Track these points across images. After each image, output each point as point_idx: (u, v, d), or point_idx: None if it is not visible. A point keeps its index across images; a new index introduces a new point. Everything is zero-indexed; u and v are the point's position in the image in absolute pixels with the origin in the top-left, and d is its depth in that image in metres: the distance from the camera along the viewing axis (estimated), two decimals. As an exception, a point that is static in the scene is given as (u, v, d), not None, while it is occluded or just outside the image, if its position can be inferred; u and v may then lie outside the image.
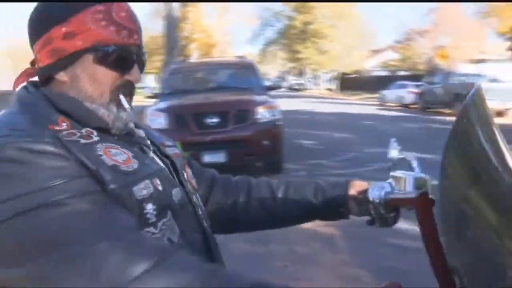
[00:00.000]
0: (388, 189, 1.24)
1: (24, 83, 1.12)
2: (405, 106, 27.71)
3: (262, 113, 8.04)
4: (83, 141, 1.02)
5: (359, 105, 31.28)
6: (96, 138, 1.05)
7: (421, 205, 1.12)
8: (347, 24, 50.48)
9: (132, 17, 1.10)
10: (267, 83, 11.79)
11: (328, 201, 1.35)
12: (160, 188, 1.08)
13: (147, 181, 1.06)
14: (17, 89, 1.12)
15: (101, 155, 1.01)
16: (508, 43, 32.84)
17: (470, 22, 37.88)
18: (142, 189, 1.04)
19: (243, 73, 9.64)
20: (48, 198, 0.87)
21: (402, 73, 46.65)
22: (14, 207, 0.86)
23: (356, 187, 1.34)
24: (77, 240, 0.86)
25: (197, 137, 7.62)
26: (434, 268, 1.06)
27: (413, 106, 26.38)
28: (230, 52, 31.91)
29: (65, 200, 0.88)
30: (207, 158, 7.38)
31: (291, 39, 54.71)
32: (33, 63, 1.13)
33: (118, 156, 1.05)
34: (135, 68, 1.12)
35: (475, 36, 38.72)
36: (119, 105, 1.11)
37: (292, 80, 46.48)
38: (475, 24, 37.33)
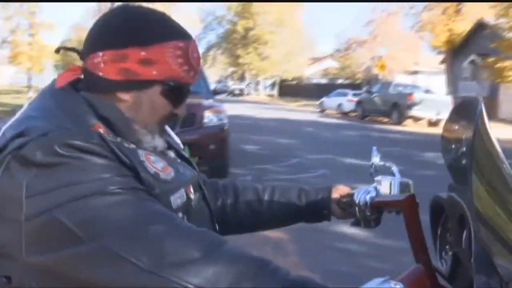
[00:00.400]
0: (373, 193, 1.31)
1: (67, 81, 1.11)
2: (344, 114, 28.41)
3: (209, 117, 8.00)
4: (125, 144, 1.03)
5: (300, 111, 31.82)
6: (132, 146, 1.06)
7: (409, 207, 1.17)
8: (289, 31, 51.28)
9: (200, 58, 1.14)
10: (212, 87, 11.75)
11: (312, 203, 1.41)
12: (192, 196, 1.14)
13: (182, 190, 1.11)
14: (58, 86, 1.09)
15: (143, 161, 1.03)
16: (441, 57, 34.23)
17: (406, 34, 39.27)
18: (177, 198, 1.08)
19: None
20: (103, 187, 0.89)
21: (341, 81, 47.82)
22: (69, 194, 0.87)
23: (339, 191, 1.42)
24: (135, 222, 0.88)
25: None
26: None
27: (352, 114, 27.06)
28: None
29: (119, 190, 0.90)
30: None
31: (233, 43, 54.92)
32: (81, 57, 1.12)
33: (157, 163, 1.07)
34: (184, 104, 1.15)
35: (411, 49, 40.21)
36: (162, 134, 1.16)
37: (232, 85, 46.59)
38: (411, 37, 38.73)
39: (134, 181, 0.96)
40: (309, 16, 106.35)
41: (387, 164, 1.40)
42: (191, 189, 1.14)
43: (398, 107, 21.68)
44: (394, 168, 1.37)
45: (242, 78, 59.12)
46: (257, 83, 62.13)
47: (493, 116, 26.05)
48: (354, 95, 28.92)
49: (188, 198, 1.12)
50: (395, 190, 1.31)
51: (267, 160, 11.08)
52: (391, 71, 35.84)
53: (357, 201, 1.32)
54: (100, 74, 1.06)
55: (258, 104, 39.51)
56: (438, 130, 19.43)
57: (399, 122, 21.56)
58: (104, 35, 1.07)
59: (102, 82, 1.07)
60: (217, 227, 1.27)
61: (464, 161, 1.00)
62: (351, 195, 1.35)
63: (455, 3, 30.11)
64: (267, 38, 51.57)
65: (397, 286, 0.88)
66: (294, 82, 56.10)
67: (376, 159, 1.42)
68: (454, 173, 1.11)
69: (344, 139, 16.32)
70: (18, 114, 1.08)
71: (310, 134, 17.62)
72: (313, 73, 58.04)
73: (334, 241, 5.29)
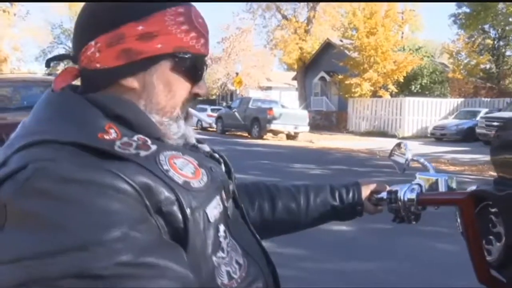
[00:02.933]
0: (418, 189, 1.31)
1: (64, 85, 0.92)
2: (204, 129, 28.59)
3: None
4: (142, 153, 0.84)
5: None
6: (153, 147, 0.87)
7: (468, 205, 1.18)
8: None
9: (206, 26, 0.99)
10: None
11: (346, 201, 1.38)
12: (226, 203, 0.96)
13: (218, 197, 0.93)
14: (56, 90, 0.91)
15: (167, 170, 0.84)
16: (290, 73, 36.07)
17: (259, 51, 40.80)
18: (214, 208, 0.90)
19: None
20: (84, 264, 0.68)
21: (196, 97, 48.07)
22: (28, 272, 0.67)
23: (369, 186, 1.40)
24: None
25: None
26: (477, 264, 1.16)
27: (211, 129, 27.33)
28: (24, 69, 29.60)
29: (109, 271, 0.69)
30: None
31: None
32: (75, 61, 0.93)
33: (185, 168, 0.88)
34: (203, 81, 1.00)
35: (263, 65, 41.86)
36: (188, 120, 0.99)
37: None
38: (263, 54, 40.34)
39: (150, 224, 0.77)
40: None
41: (420, 160, 1.44)
42: (224, 195, 0.96)
43: (258, 121, 22.33)
44: (428, 165, 1.40)
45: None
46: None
47: (343, 128, 28.03)
48: (213, 110, 29.29)
49: (224, 206, 0.95)
50: (443, 188, 1.31)
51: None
52: (245, 86, 36.94)
53: (402, 198, 1.30)
54: (98, 65, 0.89)
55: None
56: (297, 143, 20.63)
57: (260, 136, 22.19)
58: (92, 23, 0.91)
59: (102, 75, 0.90)
60: (258, 237, 1.09)
61: None
62: (392, 192, 1.34)
63: (304, 23, 31.93)
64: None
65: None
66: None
67: (409, 154, 1.42)
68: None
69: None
70: (17, 129, 0.88)
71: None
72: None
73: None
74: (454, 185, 1.32)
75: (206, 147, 1.08)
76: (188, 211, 0.82)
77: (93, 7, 0.92)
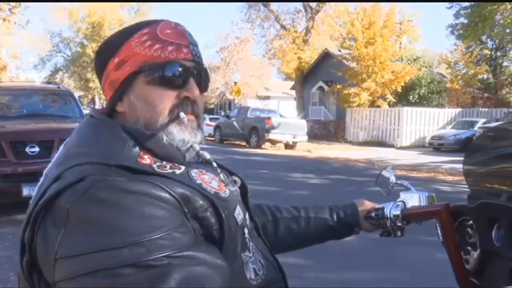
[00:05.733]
0: (403, 206, 1.46)
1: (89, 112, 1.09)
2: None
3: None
4: (177, 171, 0.98)
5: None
6: (183, 167, 1.00)
7: (446, 215, 1.31)
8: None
9: (180, 33, 1.06)
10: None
11: (344, 221, 1.47)
12: (242, 213, 1.07)
13: (238, 206, 1.06)
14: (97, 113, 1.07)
15: (200, 183, 0.98)
16: (288, 83, 36.09)
17: (257, 61, 40.87)
18: (239, 214, 1.04)
19: (60, 100, 9.03)
20: (139, 257, 0.80)
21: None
22: (100, 261, 0.79)
23: (365, 206, 1.51)
24: None
25: (15, 168, 6.85)
26: (457, 272, 1.28)
27: (210, 138, 27.35)
28: (23, 77, 29.61)
29: (158, 261, 0.81)
30: (27, 191, 6.64)
31: (82, 67, 52.77)
32: None
33: (212, 182, 1.02)
34: (192, 84, 1.04)
35: (261, 75, 41.92)
36: (181, 124, 1.03)
37: (84, 109, 44.70)
38: (262, 64, 40.41)
39: (187, 229, 0.90)
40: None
41: (402, 181, 1.58)
42: (239, 206, 1.07)
43: (256, 131, 22.35)
44: (409, 185, 1.55)
45: (92, 103, 56.91)
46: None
47: (341, 138, 28.03)
48: (211, 119, 29.29)
49: (244, 215, 1.08)
50: (424, 203, 1.46)
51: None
52: (243, 96, 36.97)
53: (390, 215, 1.44)
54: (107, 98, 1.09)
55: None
56: (295, 152, 20.65)
57: (258, 146, 22.22)
58: (96, 70, 1.11)
59: (107, 107, 1.07)
60: (269, 247, 1.21)
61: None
62: (379, 209, 1.48)
63: (302, 33, 32.03)
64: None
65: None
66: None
67: (393, 178, 1.59)
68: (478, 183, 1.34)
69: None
70: (61, 148, 1.02)
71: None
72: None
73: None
74: (435, 201, 1.47)
75: (215, 164, 1.14)
76: (223, 215, 0.96)
77: (95, 57, 1.12)
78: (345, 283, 4.62)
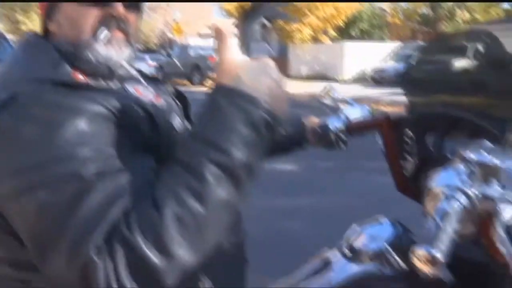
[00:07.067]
0: (345, 119, 1.51)
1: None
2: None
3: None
4: (111, 84, 1.03)
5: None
6: (116, 81, 1.05)
7: (387, 126, 1.35)
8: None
9: None
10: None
11: (289, 135, 1.51)
12: (182, 123, 1.13)
13: (178, 117, 1.11)
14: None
15: (137, 96, 1.03)
16: (233, 20, 35.55)
17: (198, -1, 39.90)
18: (178, 123, 1.09)
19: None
20: (71, 170, 0.80)
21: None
22: (29, 180, 0.80)
23: (312, 121, 1.56)
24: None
25: None
26: (396, 179, 1.32)
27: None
28: None
29: (89, 174, 0.80)
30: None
31: (9, 7, 49.98)
32: None
33: (147, 93, 1.08)
34: (116, 2, 1.03)
35: (203, 13, 41.09)
36: (106, 41, 1.02)
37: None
38: (203, 1, 39.51)
39: (122, 135, 0.89)
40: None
41: (343, 97, 1.66)
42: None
43: (199, 69, 22.09)
44: (351, 101, 1.63)
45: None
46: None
47: (283, 74, 27.87)
48: (153, 59, 28.63)
49: (183, 123, 1.13)
50: (366, 115, 1.54)
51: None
52: (185, 35, 36.22)
53: (333, 127, 1.50)
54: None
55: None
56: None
57: (201, 83, 21.97)
58: None
59: (41, 29, 1.09)
60: None
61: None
62: (323, 123, 1.53)
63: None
64: None
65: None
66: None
67: (335, 95, 1.64)
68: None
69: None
70: None
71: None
72: (104, 40, 55.99)
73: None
74: (374, 115, 1.54)
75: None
76: (160, 124, 0.97)
77: None
78: (296, 209, 4.73)
